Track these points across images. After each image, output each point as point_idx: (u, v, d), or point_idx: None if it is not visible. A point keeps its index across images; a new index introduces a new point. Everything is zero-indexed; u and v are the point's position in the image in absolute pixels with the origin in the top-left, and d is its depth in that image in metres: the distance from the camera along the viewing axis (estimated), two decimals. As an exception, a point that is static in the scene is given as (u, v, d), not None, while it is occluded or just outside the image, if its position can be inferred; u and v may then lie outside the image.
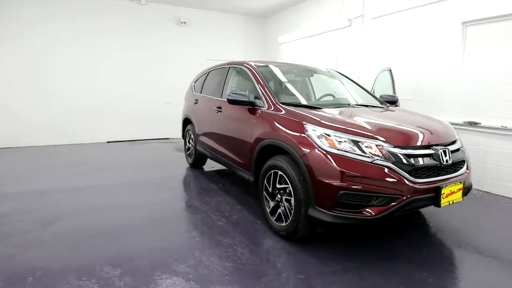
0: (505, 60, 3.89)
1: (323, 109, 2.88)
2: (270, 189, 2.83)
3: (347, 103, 3.31)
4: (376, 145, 2.27)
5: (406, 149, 2.32)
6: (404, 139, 2.39)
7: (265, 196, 2.94)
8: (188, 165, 5.30)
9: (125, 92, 7.57)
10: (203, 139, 4.45)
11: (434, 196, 2.31)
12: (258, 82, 3.31)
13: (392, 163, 2.23)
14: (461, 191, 2.45)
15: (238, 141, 3.42)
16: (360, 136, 2.32)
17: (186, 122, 5.27)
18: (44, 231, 2.85)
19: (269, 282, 2.14)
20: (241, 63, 3.82)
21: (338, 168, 2.22)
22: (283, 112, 2.86)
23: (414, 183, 2.23)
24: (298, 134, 2.53)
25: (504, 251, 2.60)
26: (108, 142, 7.51)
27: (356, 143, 2.30)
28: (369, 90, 4.09)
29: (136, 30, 7.54)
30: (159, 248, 2.56)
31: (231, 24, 8.70)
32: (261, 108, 3.10)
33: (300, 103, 3.11)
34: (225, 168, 5.10)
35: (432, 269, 2.31)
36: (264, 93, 3.16)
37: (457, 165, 2.54)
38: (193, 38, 8.17)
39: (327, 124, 2.44)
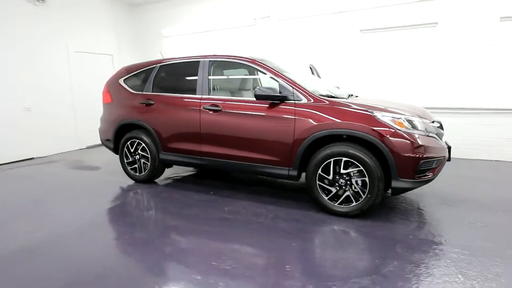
0: (390, 58, 5.56)
1: (349, 99, 3.31)
2: (330, 177, 3.00)
3: (350, 94, 3.85)
4: (422, 123, 2.97)
5: (434, 123, 3.15)
6: (429, 117, 3.21)
7: (319, 185, 3.07)
8: (132, 182, 4.29)
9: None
10: (180, 145, 3.80)
11: (448, 154, 3.27)
12: (282, 77, 3.29)
13: (436, 134, 2.99)
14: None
15: (267, 139, 3.26)
16: (413, 116, 2.94)
17: (125, 129, 4.25)
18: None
19: (403, 248, 2.44)
20: (237, 58, 3.61)
21: (417, 142, 2.76)
22: (327, 103, 3.07)
23: (444, 146, 3.10)
24: (370, 121, 2.84)
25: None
26: None
27: (411, 122, 2.90)
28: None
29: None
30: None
31: (102, 9, 7.20)
32: (297, 101, 3.14)
33: (329, 94, 3.37)
34: (186, 175, 4.62)
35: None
36: (296, 87, 3.20)
37: (440, 132, 3.66)
38: (53, 23, 6.20)
39: (392, 110, 2.91)
